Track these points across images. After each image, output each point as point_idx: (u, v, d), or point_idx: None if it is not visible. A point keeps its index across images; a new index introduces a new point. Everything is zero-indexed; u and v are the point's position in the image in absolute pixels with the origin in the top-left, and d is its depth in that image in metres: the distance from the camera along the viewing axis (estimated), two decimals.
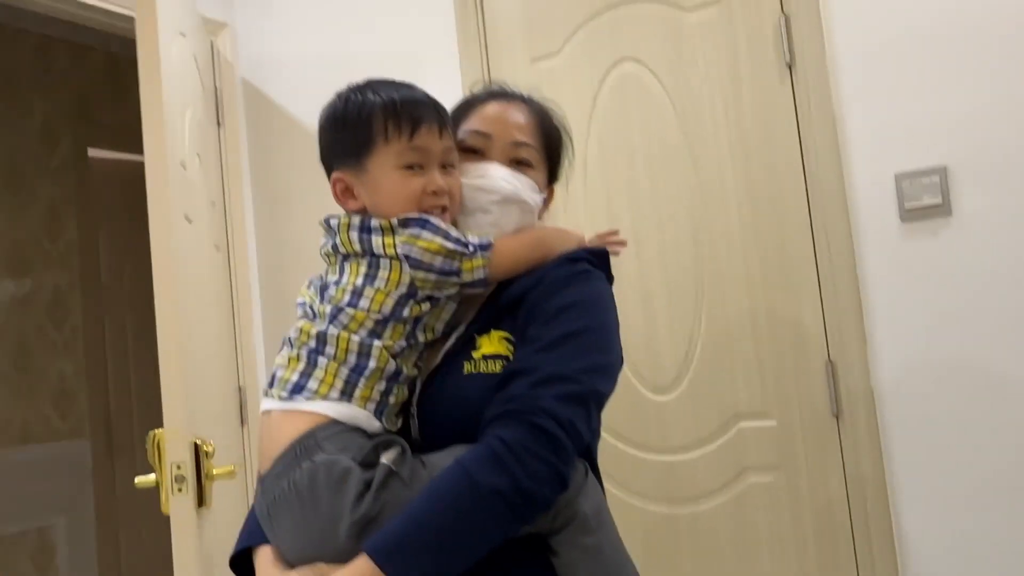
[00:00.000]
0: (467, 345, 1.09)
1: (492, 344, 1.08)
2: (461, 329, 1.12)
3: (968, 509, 1.80)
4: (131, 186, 3.83)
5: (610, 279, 1.17)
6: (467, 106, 1.23)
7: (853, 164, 1.92)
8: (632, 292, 2.17)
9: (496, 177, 1.14)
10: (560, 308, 1.05)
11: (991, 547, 1.78)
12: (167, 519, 1.77)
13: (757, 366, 2.04)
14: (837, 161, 1.93)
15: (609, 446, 2.18)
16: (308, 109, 1.19)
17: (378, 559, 0.90)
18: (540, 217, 1.25)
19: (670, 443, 2.13)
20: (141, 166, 1.82)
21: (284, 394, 1.05)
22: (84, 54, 4.12)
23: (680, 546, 2.10)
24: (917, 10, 1.85)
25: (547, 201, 1.27)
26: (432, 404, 1.08)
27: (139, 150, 1.81)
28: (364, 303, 1.04)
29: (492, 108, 1.20)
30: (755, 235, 2.04)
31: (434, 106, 1.11)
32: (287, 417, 1.04)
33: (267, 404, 1.08)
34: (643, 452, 2.16)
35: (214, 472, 1.83)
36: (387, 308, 1.04)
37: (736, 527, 2.04)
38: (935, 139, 1.83)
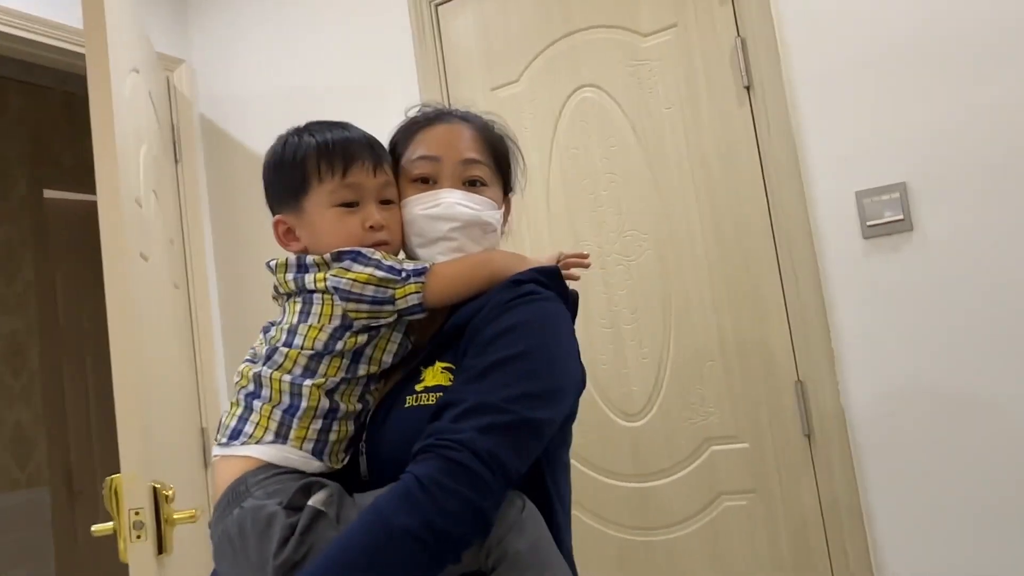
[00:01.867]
0: (412, 378, 1.06)
1: (434, 376, 1.04)
2: (411, 362, 1.09)
3: (944, 529, 1.79)
4: (88, 226, 3.76)
5: (566, 298, 1.12)
6: (409, 131, 1.20)
7: (814, 183, 1.93)
8: (599, 318, 2.16)
9: (452, 203, 1.12)
10: (497, 334, 1.00)
11: (969, 567, 1.77)
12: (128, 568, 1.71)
13: (727, 389, 2.02)
14: (798, 180, 1.93)
15: (581, 474, 2.16)
16: (268, 144, 1.17)
17: None
18: (501, 232, 1.23)
19: (643, 469, 2.10)
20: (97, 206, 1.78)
21: (224, 440, 1.05)
22: (40, 93, 4.07)
23: (657, 573, 2.07)
24: (872, 31, 1.88)
25: (505, 215, 1.24)
26: (377, 439, 1.05)
27: (96, 189, 1.77)
28: (298, 340, 1.03)
29: (436, 130, 1.17)
30: (720, 257, 2.04)
31: (368, 144, 1.11)
32: (225, 463, 1.03)
33: (214, 450, 1.07)
34: (616, 479, 2.13)
35: (175, 517, 1.76)
36: (320, 343, 1.03)
37: (713, 552, 2.02)
38: (894, 156, 1.85)
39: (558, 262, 1.27)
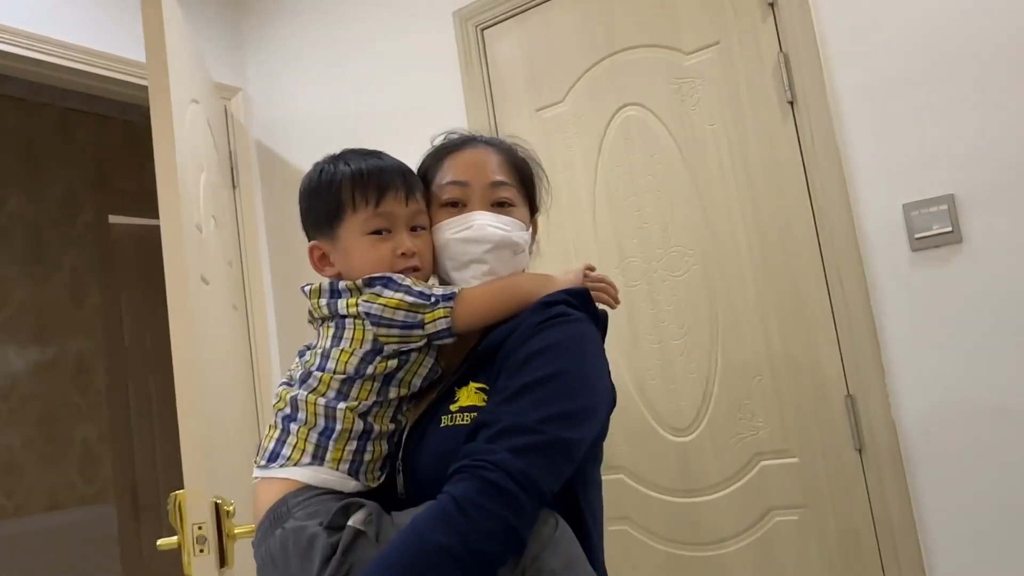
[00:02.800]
0: (447, 398, 1.09)
1: (468, 396, 1.06)
2: (445, 382, 1.12)
3: (1000, 542, 1.76)
4: (151, 250, 3.90)
5: (596, 318, 1.13)
6: (437, 157, 1.23)
7: (860, 196, 1.92)
8: (646, 334, 2.17)
9: (482, 225, 1.15)
10: (529, 356, 1.02)
11: None
12: None
13: (776, 403, 2.02)
14: (844, 194, 1.93)
15: (629, 488, 2.17)
16: None
17: None
18: (530, 252, 1.25)
19: (692, 484, 2.11)
20: (159, 230, 1.85)
21: (263, 462, 1.09)
22: (103, 124, 4.24)
23: None
24: (917, 41, 1.87)
25: (533, 235, 1.27)
26: (413, 458, 1.08)
27: (157, 215, 1.84)
28: (331, 364, 1.07)
29: (464, 155, 1.20)
30: (767, 272, 2.04)
31: (401, 173, 1.15)
32: (265, 485, 1.07)
33: (254, 473, 1.11)
34: (665, 494, 2.14)
35: (235, 531, 1.82)
36: (351, 367, 1.06)
37: (763, 568, 2.01)
38: (941, 168, 1.83)
39: (586, 275, 1.26)
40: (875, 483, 1.89)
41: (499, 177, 1.18)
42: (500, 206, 1.18)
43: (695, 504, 2.10)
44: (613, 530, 2.18)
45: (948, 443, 1.82)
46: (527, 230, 1.21)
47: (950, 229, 1.81)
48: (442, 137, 1.27)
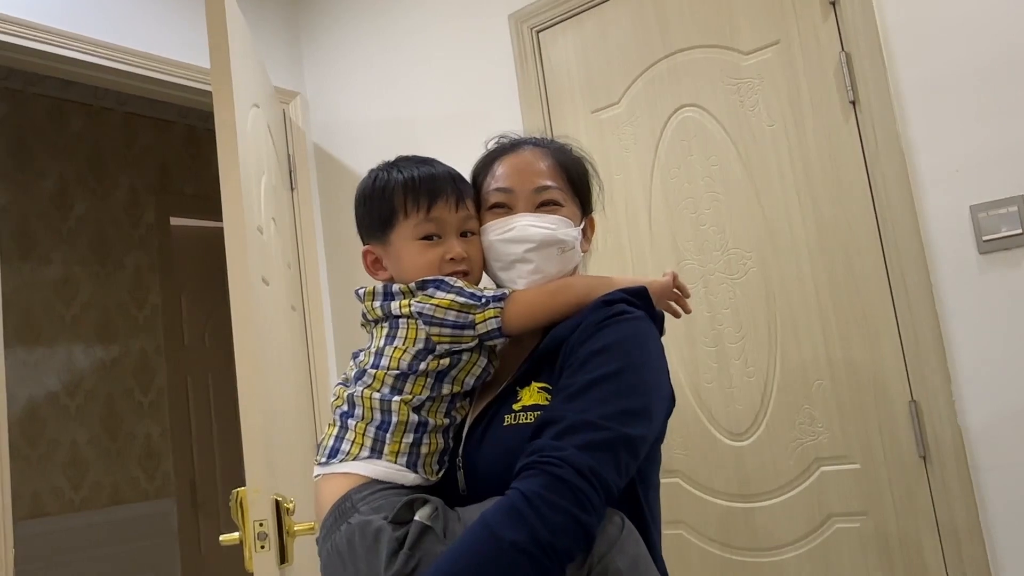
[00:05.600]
0: (509, 397, 1.11)
1: (531, 396, 1.08)
2: (505, 382, 1.13)
3: None
4: (210, 251, 3.99)
5: (655, 317, 1.14)
6: (487, 162, 1.26)
7: (925, 197, 1.88)
8: (703, 336, 2.15)
9: (524, 226, 1.17)
10: (591, 354, 1.04)
11: None
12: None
13: (837, 408, 1.99)
14: (908, 196, 1.89)
15: (685, 492, 2.15)
16: None
17: None
18: (584, 251, 1.26)
19: (750, 489, 2.08)
20: (219, 232, 1.89)
21: (323, 459, 1.11)
22: (164, 128, 4.34)
23: None
24: (980, 39, 1.83)
25: (587, 233, 1.27)
26: (474, 456, 1.10)
27: (216, 216, 1.88)
28: (384, 361, 1.10)
29: (509, 162, 1.23)
30: (827, 275, 2.01)
31: (452, 180, 1.18)
32: (327, 481, 1.10)
33: (315, 470, 1.14)
34: (721, 499, 2.12)
35: (295, 529, 1.85)
36: (404, 363, 1.09)
37: (823, 575, 1.98)
38: (1010, 168, 1.78)
39: (673, 282, 1.28)
40: (940, 490, 1.85)
41: (544, 182, 1.20)
42: (545, 206, 1.19)
43: (752, 509, 2.08)
44: (668, 534, 2.16)
45: (1016, 450, 1.77)
46: (576, 227, 1.21)
47: (1020, 231, 1.76)
48: (494, 141, 1.30)
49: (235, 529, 1.85)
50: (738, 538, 2.09)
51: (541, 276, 1.16)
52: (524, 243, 1.16)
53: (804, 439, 2.02)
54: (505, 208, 1.20)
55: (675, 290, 1.29)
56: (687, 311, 1.31)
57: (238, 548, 1.83)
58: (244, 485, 1.82)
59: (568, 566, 0.94)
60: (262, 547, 1.78)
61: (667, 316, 1.25)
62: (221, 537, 1.86)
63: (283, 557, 1.82)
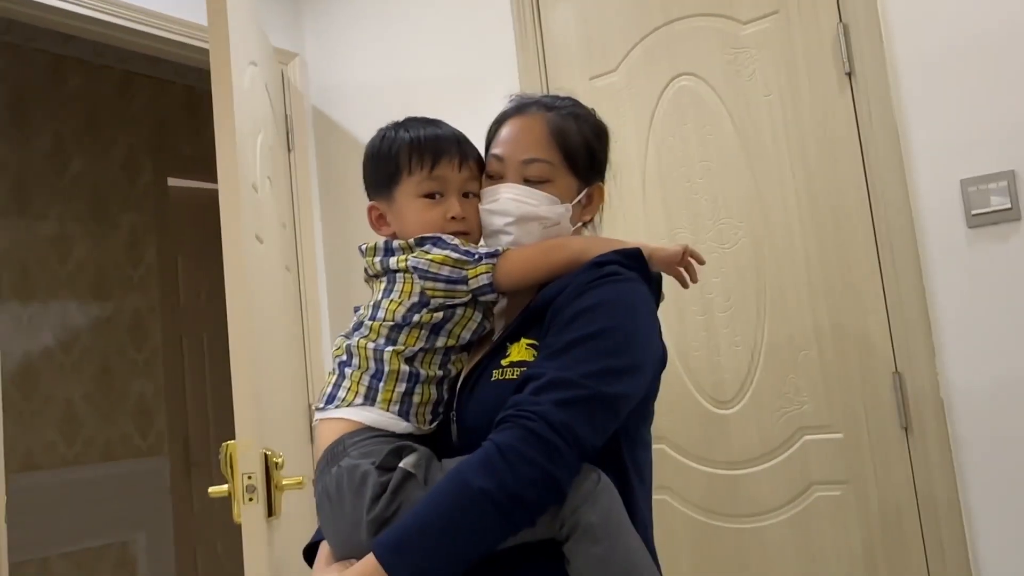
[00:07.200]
0: (498, 353, 1.13)
1: (519, 352, 1.11)
2: (498, 337, 1.16)
3: None
4: (207, 212, 3.98)
5: (650, 280, 1.15)
6: (495, 125, 1.27)
7: (916, 171, 1.89)
8: (693, 305, 2.17)
9: (507, 199, 1.19)
10: (577, 312, 1.05)
11: None
12: (241, 533, 1.82)
13: (822, 378, 2.01)
14: (900, 169, 1.90)
15: (671, 459, 2.18)
16: (374, 133, 1.26)
17: (381, 555, 0.94)
18: (587, 221, 1.27)
19: (734, 457, 2.11)
20: (216, 193, 1.90)
21: (321, 404, 1.15)
22: (163, 87, 4.32)
23: (747, 561, 2.08)
24: (977, 14, 1.83)
25: (592, 203, 1.27)
26: (465, 409, 1.12)
27: (214, 178, 1.89)
28: (380, 313, 1.14)
29: (505, 129, 1.24)
30: (817, 246, 2.02)
31: (456, 141, 1.22)
32: (324, 425, 1.14)
33: (315, 415, 1.18)
34: (707, 466, 2.15)
35: (283, 483, 1.88)
36: (399, 315, 1.12)
37: (804, 542, 2.01)
38: (1001, 143, 1.79)
39: (684, 254, 1.24)
40: (920, 462, 1.87)
41: (531, 155, 1.20)
42: (532, 181, 1.20)
43: (736, 476, 2.11)
44: (653, 499, 2.19)
45: (998, 424, 1.79)
46: (565, 204, 1.21)
47: (1009, 206, 1.78)
48: (510, 99, 1.30)
49: (226, 483, 1.87)
50: (721, 504, 2.12)
51: (515, 248, 1.17)
52: (504, 216, 1.18)
53: (789, 408, 2.04)
54: (497, 177, 1.21)
55: (689, 258, 1.26)
56: (694, 281, 1.28)
57: (229, 506, 1.86)
58: (232, 440, 1.84)
59: (539, 518, 0.97)
60: (250, 499, 1.81)
61: (674, 283, 1.26)
62: (211, 489, 1.89)
63: (271, 510, 1.84)
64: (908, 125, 1.90)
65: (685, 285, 1.27)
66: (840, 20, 1.99)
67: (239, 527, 1.82)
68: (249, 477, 1.81)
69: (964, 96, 1.84)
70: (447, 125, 1.25)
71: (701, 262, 1.27)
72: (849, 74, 1.98)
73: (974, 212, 1.81)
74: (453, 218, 1.18)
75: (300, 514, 2.13)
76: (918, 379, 1.87)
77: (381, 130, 1.26)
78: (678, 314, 2.19)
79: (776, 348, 2.07)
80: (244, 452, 1.82)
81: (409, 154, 1.19)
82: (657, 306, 1.17)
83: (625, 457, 1.10)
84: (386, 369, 1.11)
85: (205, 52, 2.62)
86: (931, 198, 1.87)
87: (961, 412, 1.84)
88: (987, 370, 1.81)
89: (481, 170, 1.24)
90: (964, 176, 1.83)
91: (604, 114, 1.30)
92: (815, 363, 2.02)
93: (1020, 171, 1.77)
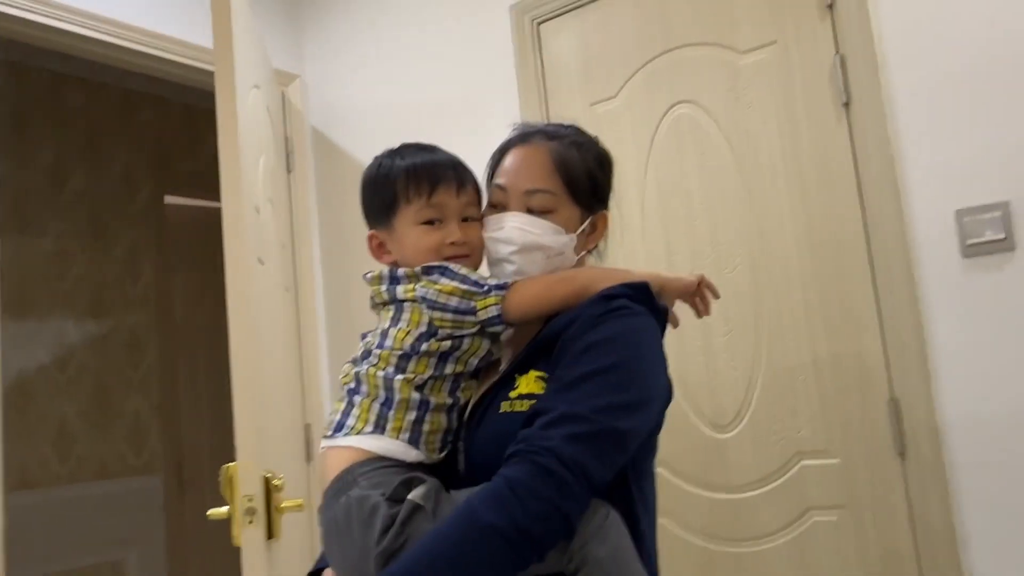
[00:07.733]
0: (507, 384, 1.13)
1: (528, 384, 1.10)
2: (506, 368, 1.16)
3: None
4: (205, 230, 4.00)
5: (657, 312, 1.15)
6: (498, 154, 1.28)
7: (912, 201, 1.91)
8: (691, 330, 2.18)
9: (512, 228, 1.19)
10: (587, 346, 1.06)
11: None
12: (234, 553, 1.82)
13: (819, 404, 2.02)
14: (896, 198, 1.93)
15: (669, 483, 2.19)
16: (374, 155, 1.27)
17: None
18: (591, 249, 1.27)
19: (732, 481, 2.12)
20: (214, 211, 1.91)
21: (329, 432, 1.15)
22: (162, 106, 4.33)
23: None
24: (973, 46, 1.86)
25: (597, 231, 1.27)
26: (473, 441, 1.13)
27: (213, 196, 1.90)
28: (389, 342, 1.14)
29: (509, 159, 1.24)
30: (814, 273, 2.04)
31: (452, 166, 1.21)
32: (332, 453, 1.13)
33: (321, 443, 1.18)
34: (704, 490, 2.16)
35: (283, 505, 1.88)
36: (407, 344, 1.12)
37: (800, 566, 2.02)
38: (996, 174, 1.82)
39: (699, 284, 1.29)
40: (916, 488, 1.89)
41: (534, 185, 1.20)
42: (535, 212, 1.20)
43: (733, 500, 2.12)
44: None
45: (994, 452, 1.81)
46: (569, 234, 1.21)
47: (1003, 236, 1.80)
48: (513, 128, 1.31)
49: (221, 505, 1.87)
50: (719, 528, 2.13)
51: (522, 279, 1.17)
52: (508, 244, 1.18)
53: (786, 433, 2.06)
54: (501, 207, 1.22)
55: (705, 289, 1.29)
56: (707, 313, 1.30)
57: (223, 527, 1.85)
58: (232, 463, 1.85)
59: (549, 554, 0.97)
60: (250, 522, 1.81)
61: (681, 310, 1.27)
62: (209, 511, 1.89)
63: (270, 532, 1.84)
64: (904, 155, 1.93)
65: (699, 315, 1.29)
66: (837, 51, 2.02)
67: (232, 547, 1.81)
68: (249, 500, 1.81)
69: (959, 127, 1.87)
70: (442, 150, 1.24)
71: (716, 295, 1.30)
72: (846, 104, 2.01)
73: (969, 242, 1.84)
74: (453, 243, 1.18)
75: (298, 536, 2.12)
76: (914, 406, 1.89)
77: (377, 158, 1.25)
78: (677, 338, 2.19)
79: (774, 373, 2.08)
80: (244, 475, 1.82)
81: (406, 182, 1.19)
82: (662, 338, 1.18)
83: (632, 489, 1.10)
84: (396, 397, 1.11)
85: (204, 72, 2.64)
86: (927, 227, 1.90)
87: (956, 439, 1.85)
88: (982, 397, 1.83)
89: (478, 193, 1.24)
90: (959, 206, 1.85)
91: (604, 140, 1.31)
92: (812, 389, 2.03)
93: (1014, 202, 1.80)
